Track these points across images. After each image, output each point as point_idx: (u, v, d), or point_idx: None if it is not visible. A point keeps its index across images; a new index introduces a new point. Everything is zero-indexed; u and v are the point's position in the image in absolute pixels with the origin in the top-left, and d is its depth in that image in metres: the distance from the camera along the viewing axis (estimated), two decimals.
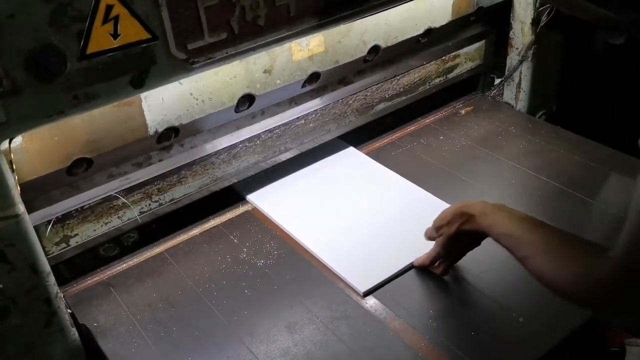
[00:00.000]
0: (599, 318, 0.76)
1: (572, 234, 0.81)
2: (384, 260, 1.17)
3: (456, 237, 1.06)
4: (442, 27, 1.53)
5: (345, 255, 1.19)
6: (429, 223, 1.12)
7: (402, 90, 1.57)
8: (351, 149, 1.52)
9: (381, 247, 1.21)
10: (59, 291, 0.96)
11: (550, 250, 0.82)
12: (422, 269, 1.15)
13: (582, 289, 0.75)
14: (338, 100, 1.45)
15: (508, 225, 0.92)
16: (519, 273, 1.11)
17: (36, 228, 1.00)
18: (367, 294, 1.11)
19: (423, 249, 1.15)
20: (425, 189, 1.35)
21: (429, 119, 1.64)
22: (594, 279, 0.73)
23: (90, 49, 0.80)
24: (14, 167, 0.94)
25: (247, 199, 1.38)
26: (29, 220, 0.88)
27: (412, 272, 1.15)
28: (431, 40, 1.53)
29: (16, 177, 0.90)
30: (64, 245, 1.15)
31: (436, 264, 1.13)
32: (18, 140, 0.97)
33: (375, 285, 1.12)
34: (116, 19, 0.80)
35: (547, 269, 0.81)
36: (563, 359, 1.02)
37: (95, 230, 1.18)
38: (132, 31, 0.82)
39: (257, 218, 1.33)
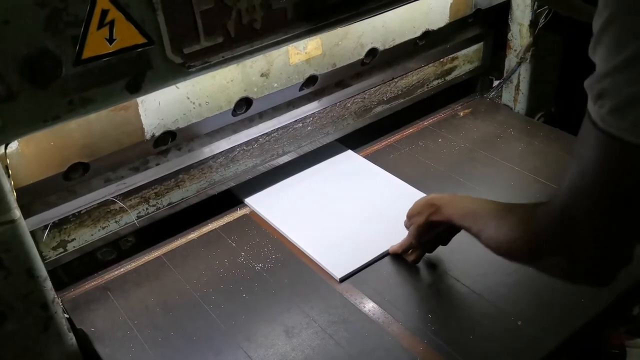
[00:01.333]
0: (543, 272, 0.76)
1: (524, 203, 0.82)
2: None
3: (426, 227, 1.10)
4: (440, 29, 1.53)
5: (344, 259, 1.19)
6: None
7: (400, 92, 1.57)
8: (349, 152, 1.52)
9: (381, 249, 1.20)
10: (56, 296, 0.95)
11: (498, 217, 0.86)
12: (418, 274, 1.15)
13: (524, 244, 0.76)
14: (336, 103, 1.45)
15: (465, 206, 0.99)
16: (517, 276, 1.11)
17: (33, 233, 1.00)
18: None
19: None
20: (424, 192, 1.35)
21: (427, 122, 1.64)
22: (532, 231, 0.74)
23: (86, 54, 0.80)
24: (10, 172, 0.94)
25: (245, 202, 1.38)
26: (25, 226, 0.88)
27: (410, 276, 1.15)
28: (429, 43, 1.53)
29: (12, 182, 0.90)
30: (61, 249, 1.14)
31: (409, 252, 1.17)
32: (14, 145, 0.97)
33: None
34: (112, 24, 0.80)
35: (496, 235, 0.85)
36: None
37: (92, 235, 1.18)
38: (127, 35, 0.82)
39: (255, 222, 1.32)
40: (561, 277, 0.73)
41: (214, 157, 1.28)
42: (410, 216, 1.14)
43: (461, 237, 1.22)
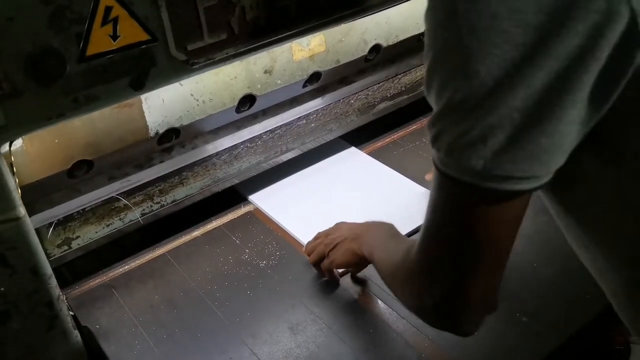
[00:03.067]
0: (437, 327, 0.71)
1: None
2: None
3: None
4: None
5: None
6: None
7: (404, 89, 1.57)
8: (353, 149, 1.52)
9: None
10: (60, 294, 0.95)
11: (388, 261, 0.82)
12: None
13: (408, 303, 0.73)
14: (339, 100, 1.44)
15: (371, 240, 0.97)
16: (521, 272, 1.11)
17: (37, 231, 0.99)
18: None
19: None
20: (428, 189, 1.34)
21: None
22: (408, 291, 0.70)
23: (90, 51, 0.80)
24: (15, 169, 0.94)
25: (248, 199, 1.38)
26: (30, 223, 0.88)
27: None
28: None
29: (17, 180, 0.90)
30: (65, 247, 1.14)
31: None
32: (19, 143, 0.97)
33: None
34: (115, 21, 0.80)
35: (383, 275, 0.86)
36: (567, 358, 1.02)
37: (97, 232, 1.18)
38: (131, 32, 0.82)
39: (258, 219, 1.32)
40: (427, 320, 0.69)
41: (217, 154, 1.28)
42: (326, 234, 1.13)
43: None
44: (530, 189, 0.55)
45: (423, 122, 1.62)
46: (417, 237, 0.67)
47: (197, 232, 1.29)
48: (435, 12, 0.54)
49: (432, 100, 0.57)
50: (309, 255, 1.15)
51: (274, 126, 1.34)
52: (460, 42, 0.52)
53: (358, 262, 1.04)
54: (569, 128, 0.53)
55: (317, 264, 1.13)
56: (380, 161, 1.46)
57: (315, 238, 1.17)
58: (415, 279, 0.65)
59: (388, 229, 0.98)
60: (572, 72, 0.51)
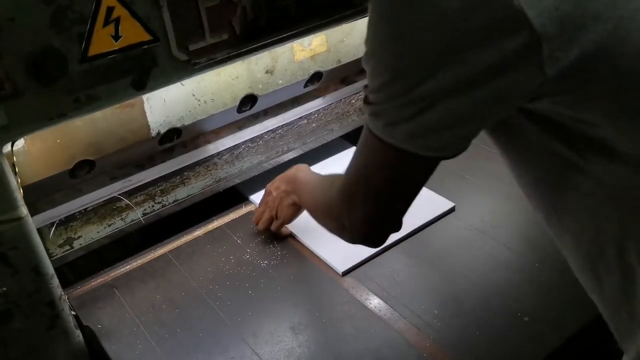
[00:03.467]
0: (333, 232, 0.87)
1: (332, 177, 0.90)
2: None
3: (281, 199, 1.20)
4: None
5: (346, 253, 1.19)
6: (434, 221, 1.11)
7: None
8: (354, 149, 1.51)
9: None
10: (62, 293, 0.96)
11: (314, 191, 1.00)
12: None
13: (324, 209, 0.89)
14: (341, 100, 1.44)
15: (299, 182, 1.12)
16: (524, 272, 1.11)
17: (39, 230, 1.00)
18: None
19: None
20: (429, 188, 1.34)
21: None
22: (329, 199, 0.83)
23: (92, 51, 0.80)
24: (17, 169, 0.94)
25: (250, 199, 1.38)
26: (32, 223, 0.88)
27: (416, 272, 1.15)
28: None
29: (19, 180, 0.90)
30: (67, 247, 1.14)
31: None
32: (20, 142, 0.97)
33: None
34: (117, 21, 0.80)
35: (308, 205, 1.04)
36: (568, 358, 1.02)
37: (98, 232, 1.18)
38: (133, 33, 0.82)
39: None
40: (343, 237, 0.84)
41: (219, 154, 1.28)
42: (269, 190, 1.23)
43: (468, 234, 1.22)
44: (435, 156, 0.69)
45: None
46: (332, 175, 0.90)
47: (198, 232, 1.30)
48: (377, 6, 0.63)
49: (368, 71, 0.67)
50: (257, 223, 1.25)
51: (275, 126, 1.35)
52: (395, 40, 0.62)
53: (300, 210, 1.18)
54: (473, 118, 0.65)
55: (267, 228, 1.24)
56: None
57: (261, 203, 1.26)
58: (337, 207, 0.80)
59: (308, 171, 1.13)
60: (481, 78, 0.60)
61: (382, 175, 0.72)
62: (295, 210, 1.19)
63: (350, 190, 0.77)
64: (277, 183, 1.20)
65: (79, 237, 1.16)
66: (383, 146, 0.67)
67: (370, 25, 0.64)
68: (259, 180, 1.39)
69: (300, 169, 1.15)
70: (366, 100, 0.68)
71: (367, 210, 0.76)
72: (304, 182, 1.09)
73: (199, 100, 1.16)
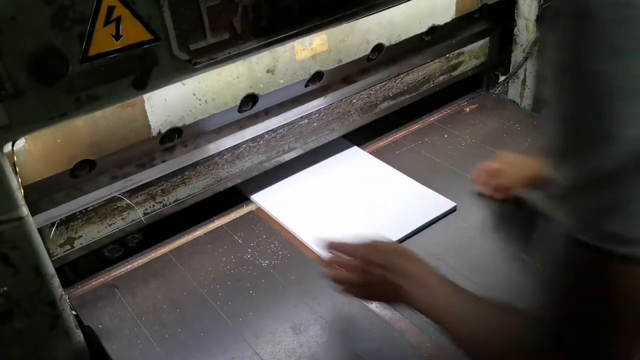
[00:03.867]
0: None
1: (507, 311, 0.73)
2: None
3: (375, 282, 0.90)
4: (446, 24, 1.52)
5: None
6: (435, 221, 1.11)
7: (406, 88, 1.57)
8: (355, 148, 1.52)
9: None
10: (63, 293, 0.96)
11: (484, 327, 0.75)
12: None
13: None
14: (342, 100, 1.44)
15: (439, 297, 0.83)
16: (525, 272, 1.11)
17: (40, 230, 1.00)
18: None
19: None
20: (430, 188, 1.34)
21: (433, 117, 1.63)
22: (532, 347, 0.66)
23: (92, 51, 0.80)
24: (18, 169, 0.94)
25: (251, 199, 1.38)
26: (33, 223, 0.88)
27: None
28: (435, 38, 1.52)
29: (19, 180, 0.90)
30: (68, 247, 1.14)
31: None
32: (21, 142, 0.97)
33: None
34: (118, 20, 0.80)
35: (477, 344, 0.75)
36: None
37: (99, 232, 1.18)
38: (134, 32, 0.82)
39: (261, 218, 1.32)
40: None
41: (220, 153, 1.28)
42: (370, 260, 0.91)
43: (469, 233, 1.22)
44: None
45: (425, 121, 1.62)
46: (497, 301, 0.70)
47: (199, 232, 1.29)
48: (560, 77, 0.52)
49: (560, 167, 0.55)
50: (329, 268, 0.96)
51: (276, 126, 1.34)
52: (601, 105, 0.50)
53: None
54: None
55: (337, 282, 0.95)
56: (383, 160, 1.46)
57: (349, 250, 0.94)
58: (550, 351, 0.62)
59: (448, 283, 0.85)
60: None
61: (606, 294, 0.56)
62: (390, 303, 0.99)
63: (568, 328, 0.60)
64: (388, 264, 0.88)
65: (79, 237, 1.15)
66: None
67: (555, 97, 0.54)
68: (260, 180, 1.39)
69: (421, 267, 0.87)
70: (573, 207, 0.55)
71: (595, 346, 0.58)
72: (435, 293, 0.83)
73: (199, 99, 1.16)
